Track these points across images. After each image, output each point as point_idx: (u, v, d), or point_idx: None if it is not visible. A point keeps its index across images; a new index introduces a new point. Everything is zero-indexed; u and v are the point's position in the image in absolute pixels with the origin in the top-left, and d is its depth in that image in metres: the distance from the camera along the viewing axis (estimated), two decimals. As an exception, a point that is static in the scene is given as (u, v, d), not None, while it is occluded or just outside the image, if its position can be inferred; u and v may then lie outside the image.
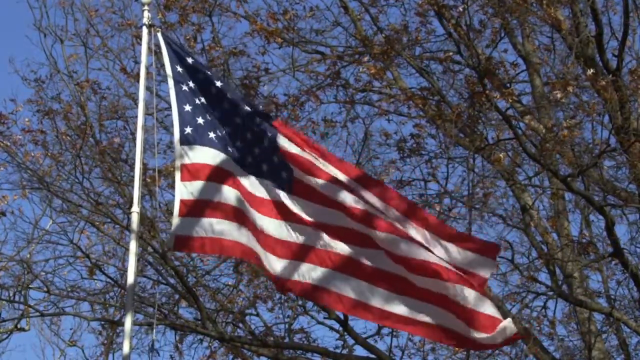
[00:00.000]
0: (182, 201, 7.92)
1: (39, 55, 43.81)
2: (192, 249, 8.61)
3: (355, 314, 8.49)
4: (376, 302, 8.05)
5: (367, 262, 8.10)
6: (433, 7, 12.66)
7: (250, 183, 8.20)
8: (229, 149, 8.21)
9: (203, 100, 8.26)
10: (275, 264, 8.10)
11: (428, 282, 8.01)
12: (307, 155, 8.22)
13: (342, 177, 8.22)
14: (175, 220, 7.92)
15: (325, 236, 8.10)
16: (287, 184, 8.20)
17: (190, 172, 8.00)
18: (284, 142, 8.26)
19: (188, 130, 8.09)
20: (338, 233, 8.12)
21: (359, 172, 8.60)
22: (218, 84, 8.39)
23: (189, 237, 7.96)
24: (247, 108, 8.39)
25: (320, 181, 8.15)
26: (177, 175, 8.01)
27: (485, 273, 8.33)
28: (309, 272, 8.06)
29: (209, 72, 8.53)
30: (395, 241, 8.03)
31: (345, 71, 14.21)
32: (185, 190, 7.96)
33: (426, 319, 8.05)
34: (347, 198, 8.11)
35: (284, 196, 8.16)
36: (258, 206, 8.15)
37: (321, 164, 8.23)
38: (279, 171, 8.23)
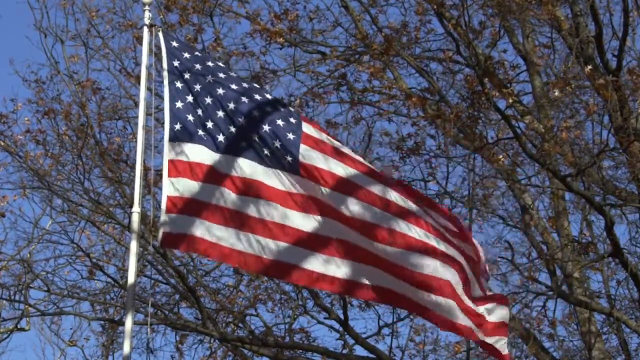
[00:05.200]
0: (169, 198, 7.80)
1: (40, 56, 43.83)
2: (181, 247, 8.46)
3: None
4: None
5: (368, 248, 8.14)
6: (433, 7, 12.67)
7: (253, 171, 8.14)
8: (221, 137, 8.12)
9: (198, 88, 8.20)
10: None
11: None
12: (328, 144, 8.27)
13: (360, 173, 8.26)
14: (163, 217, 7.79)
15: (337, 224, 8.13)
16: (293, 167, 8.16)
17: (177, 169, 7.91)
18: (307, 129, 8.26)
19: (177, 127, 8.05)
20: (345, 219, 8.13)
21: (373, 171, 8.51)
22: (221, 74, 8.36)
23: (178, 234, 7.82)
24: (267, 96, 8.39)
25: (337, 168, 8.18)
26: (165, 171, 7.90)
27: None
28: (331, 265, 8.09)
29: (212, 64, 8.47)
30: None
31: (346, 70, 14.24)
32: (172, 187, 7.85)
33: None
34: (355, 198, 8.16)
35: (285, 178, 8.15)
36: (267, 194, 8.13)
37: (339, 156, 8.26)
38: (285, 154, 8.19)
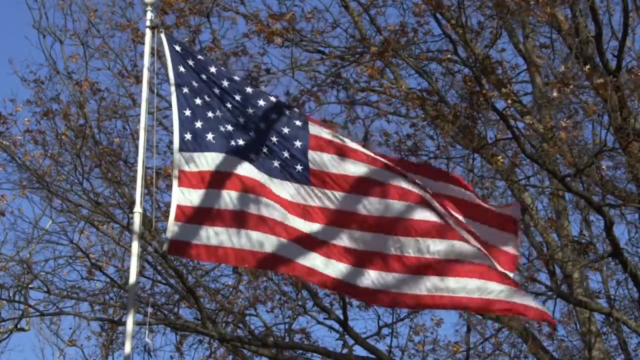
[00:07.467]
0: (179, 206, 7.98)
1: (39, 56, 43.77)
2: (188, 255, 8.68)
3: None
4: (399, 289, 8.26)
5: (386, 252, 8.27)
6: (430, 8, 12.66)
7: (260, 177, 8.25)
8: (232, 142, 8.23)
9: (206, 97, 8.29)
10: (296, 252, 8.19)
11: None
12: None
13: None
14: (171, 225, 7.95)
15: (342, 232, 8.23)
16: (304, 176, 8.29)
17: (188, 179, 8.06)
18: (314, 130, 8.44)
19: (187, 136, 8.14)
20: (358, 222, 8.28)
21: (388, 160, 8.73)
22: (225, 82, 8.41)
23: (185, 243, 8.01)
24: (271, 99, 8.53)
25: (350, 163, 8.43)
26: (175, 181, 8.05)
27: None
28: (331, 267, 8.17)
29: (217, 68, 8.52)
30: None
31: (345, 71, 14.20)
32: (182, 196, 8.02)
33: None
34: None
35: (294, 190, 8.24)
36: (269, 196, 8.23)
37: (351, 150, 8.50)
38: (295, 164, 8.30)
